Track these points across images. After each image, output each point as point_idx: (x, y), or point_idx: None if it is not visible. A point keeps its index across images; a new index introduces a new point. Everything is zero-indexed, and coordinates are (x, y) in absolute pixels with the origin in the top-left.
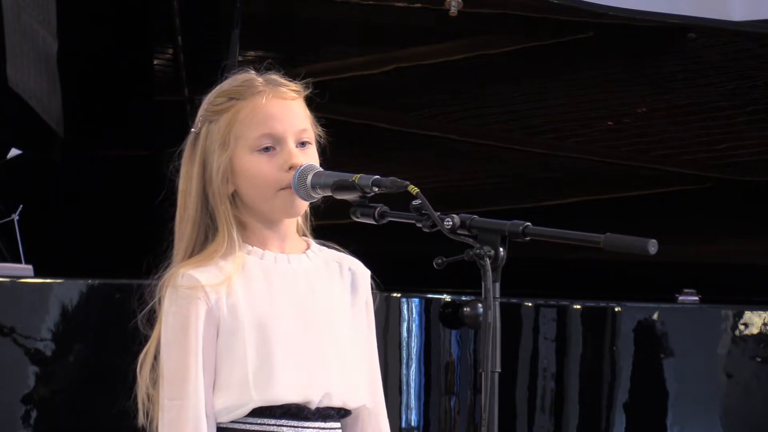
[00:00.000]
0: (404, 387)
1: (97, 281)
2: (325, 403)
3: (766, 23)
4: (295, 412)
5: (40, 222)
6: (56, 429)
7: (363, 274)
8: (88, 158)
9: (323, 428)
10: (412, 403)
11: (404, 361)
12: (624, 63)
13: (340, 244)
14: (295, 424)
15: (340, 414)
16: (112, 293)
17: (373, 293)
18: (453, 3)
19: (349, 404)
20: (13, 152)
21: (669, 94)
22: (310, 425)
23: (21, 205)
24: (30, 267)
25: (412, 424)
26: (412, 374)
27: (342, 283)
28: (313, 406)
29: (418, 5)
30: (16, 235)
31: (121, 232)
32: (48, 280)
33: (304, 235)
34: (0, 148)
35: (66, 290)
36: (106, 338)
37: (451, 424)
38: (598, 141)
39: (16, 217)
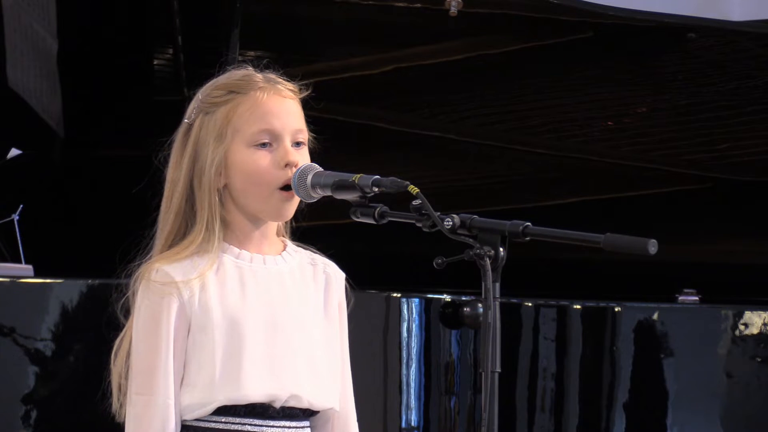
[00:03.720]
0: (404, 387)
1: (97, 281)
2: (291, 404)
3: (766, 23)
4: (260, 411)
5: (40, 222)
6: (56, 429)
7: (337, 276)
8: (88, 158)
9: (289, 427)
10: (412, 403)
11: (404, 361)
12: (624, 63)
13: (339, 245)
14: (260, 423)
15: (306, 414)
16: (112, 293)
17: (347, 296)
18: (453, 3)
19: (316, 405)
20: (13, 152)
21: (669, 94)
22: (275, 424)
23: (21, 205)
24: (30, 267)
25: (412, 424)
26: (412, 374)
27: (316, 285)
28: (277, 405)
29: (418, 5)
30: (16, 235)
31: (121, 232)
32: (48, 280)
33: (282, 235)
34: (0, 148)
35: (66, 290)
36: (106, 338)
37: (451, 424)
38: (598, 141)
39: (16, 217)
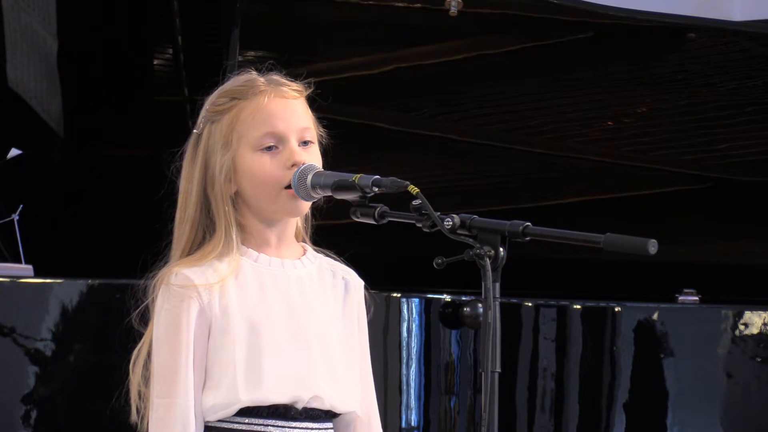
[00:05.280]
0: (404, 387)
1: (97, 281)
2: (314, 405)
3: (766, 23)
4: (283, 412)
5: (40, 222)
6: (56, 429)
7: (356, 284)
8: (88, 158)
9: (312, 428)
10: (412, 403)
11: (404, 361)
12: (624, 63)
13: (339, 245)
14: (283, 424)
15: (328, 415)
16: (112, 293)
17: (367, 305)
18: (453, 3)
19: (337, 408)
20: (13, 152)
21: (669, 94)
22: (298, 425)
23: (21, 205)
24: (30, 267)
25: (412, 424)
26: (412, 374)
27: (334, 291)
28: (300, 407)
29: (418, 5)
30: (16, 235)
31: (121, 232)
32: (48, 280)
33: (303, 240)
34: (0, 148)
35: (66, 290)
36: (106, 338)
37: (451, 424)
38: (598, 141)
39: (16, 217)
